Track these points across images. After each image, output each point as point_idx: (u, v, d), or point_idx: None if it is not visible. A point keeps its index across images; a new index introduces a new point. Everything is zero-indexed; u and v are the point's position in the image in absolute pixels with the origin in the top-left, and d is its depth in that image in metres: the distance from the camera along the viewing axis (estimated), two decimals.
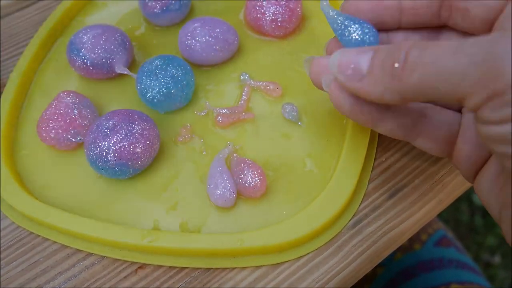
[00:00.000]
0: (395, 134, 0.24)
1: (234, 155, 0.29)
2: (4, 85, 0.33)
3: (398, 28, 0.26)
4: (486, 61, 0.17)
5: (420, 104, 0.25)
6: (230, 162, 0.29)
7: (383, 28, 0.26)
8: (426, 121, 0.24)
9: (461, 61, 0.17)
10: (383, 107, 0.23)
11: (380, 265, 0.54)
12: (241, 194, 0.28)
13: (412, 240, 0.56)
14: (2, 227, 0.29)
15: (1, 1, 0.40)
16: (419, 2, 0.24)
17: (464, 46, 0.18)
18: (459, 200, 1.00)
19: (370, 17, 0.25)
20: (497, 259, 1.01)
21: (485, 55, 0.17)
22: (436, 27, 0.26)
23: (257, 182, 0.27)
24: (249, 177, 0.27)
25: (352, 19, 0.24)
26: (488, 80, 0.17)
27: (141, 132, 0.28)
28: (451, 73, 0.18)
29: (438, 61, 0.18)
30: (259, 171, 0.27)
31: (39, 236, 0.28)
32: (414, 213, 0.28)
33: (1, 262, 0.27)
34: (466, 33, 0.24)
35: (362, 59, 0.21)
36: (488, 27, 0.22)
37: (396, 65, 0.19)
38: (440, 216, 0.94)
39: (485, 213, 1.05)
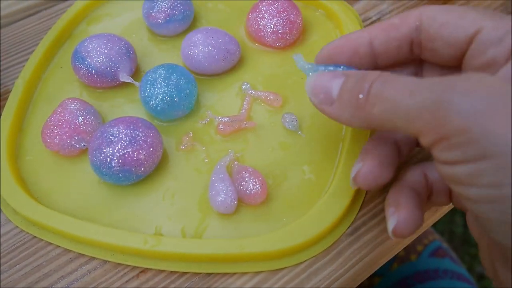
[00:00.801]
0: None
1: (235, 162, 0.30)
2: (9, 92, 0.34)
3: (376, 68, 0.26)
4: (436, 105, 0.18)
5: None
6: (231, 170, 0.29)
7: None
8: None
9: (415, 101, 0.19)
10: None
11: (377, 275, 0.54)
12: (242, 201, 0.28)
13: (408, 250, 0.56)
14: (5, 231, 0.29)
15: (6, 10, 0.40)
16: (389, 46, 0.25)
17: (420, 87, 0.19)
18: (453, 212, 1.00)
19: (346, 64, 0.26)
20: None
21: (436, 99, 0.18)
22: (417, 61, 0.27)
23: (258, 189, 0.28)
24: (250, 185, 0.28)
25: (327, 65, 0.25)
26: (437, 123, 0.18)
27: (145, 139, 0.28)
28: (406, 112, 0.19)
29: (396, 98, 0.19)
30: (260, 178, 0.28)
31: (42, 240, 0.28)
32: None
33: (4, 265, 0.27)
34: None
35: (334, 85, 0.23)
36: (459, 62, 0.23)
37: (361, 96, 0.21)
38: (435, 227, 0.95)
39: None
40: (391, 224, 0.23)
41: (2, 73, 0.36)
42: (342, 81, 0.22)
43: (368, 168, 0.24)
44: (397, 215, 0.23)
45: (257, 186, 0.28)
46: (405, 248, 0.56)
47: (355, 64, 0.25)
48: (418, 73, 0.27)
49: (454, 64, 0.24)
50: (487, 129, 0.17)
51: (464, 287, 0.52)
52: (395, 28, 0.24)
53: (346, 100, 0.22)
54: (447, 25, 0.23)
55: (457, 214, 1.07)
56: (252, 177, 0.28)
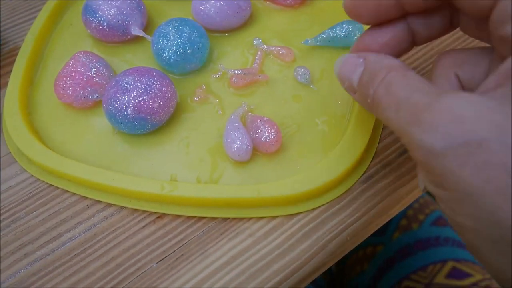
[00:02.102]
0: None
1: (249, 113, 0.30)
2: (19, 48, 0.34)
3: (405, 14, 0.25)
4: (407, 130, 0.19)
5: None
6: (246, 120, 0.30)
7: None
8: None
9: (398, 119, 0.19)
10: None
11: (379, 243, 0.55)
12: (257, 150, 0.28)
13: (410, 220, 0.57)
14: (21, 180, 0.29)
15: None
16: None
17: (402, 105, 0.19)
18: None
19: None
20: None
21: (406, 125, 0.19)
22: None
23: (273, 136, 0.28)
24: (265, 132, 0.28)
25: None
26: (410, 148, 0.19)
27: (160, 87, 0.28)
28: (396, 126, 0.20)
29: (388, 110, 0.20)
30: (275, 127, 0.28)
31: (58, 188, 0.28)
32: None
33: (21, 212, 0.27)
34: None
35: (354, 77, 0.23)
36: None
37: (368, 100, 0.22)
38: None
39: None
40: None
41: (10, 30, 0.36)
42: (360, 73, 0.23)
43: None
44: None
45: (272, 133, 0.28)
46: (406, 217, 0.57)
47: (380, 16, 0.24)
48: (454, 19, 0.25)
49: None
50: (445, 167, 0.17)
51: (465, 254, 0.53)
52: None
53: (362, 94, 0.22)
54: None
55: None
56: (267, 125, 0.28)
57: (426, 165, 0.18)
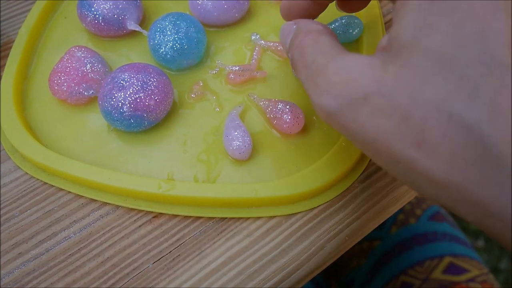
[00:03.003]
0: None
1: (262, 99, 0.30)
2: (13, 42, 0.33)
3: None
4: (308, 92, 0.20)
5: None
6: (260, 107, 0.30)
7: None
8: None
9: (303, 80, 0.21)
10: None
11: (376, 238, 0.55)
12: (278, 130, 0.29)
13: (407, 214, 0.57)
14: (14, 177, 0.28)
15: None
16: None
17: (306, 65, 0.21)
18: None
19: None
20: (480, 243, 1.04)
21: (307, 88, 0.20)
22: None
23: (299, 112, 0.29)
24: (289, 114, 0.28)
25: None
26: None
27: (157, 84, 0.28)
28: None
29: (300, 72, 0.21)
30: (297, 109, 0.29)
31: (52, 186, 0.28)
32: None
33: (15, 210, 0.27)
34: None
35: (286, 42, 0.24)
36: None
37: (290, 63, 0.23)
38: None
39: None
40: None
41: (3, 23, 0.36)
42: (290, 39, 0.23)
43: None
44: None
45: (297, 111, 0.29)
46: (404, 212, 0.57)
47: None
48: None
49: None
50: (342, 125, 0.18)
51: (462, 249, 0.53)
52: None
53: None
54: None
55: None
56: (288, 105, 0.29)
57: (329, 125, 0.19)
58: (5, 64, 0.32)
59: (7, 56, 0.33)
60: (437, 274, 0.50)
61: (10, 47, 0.33)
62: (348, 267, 0.55)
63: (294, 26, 0.24)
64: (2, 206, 0.27)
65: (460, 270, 0.50)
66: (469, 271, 0.49)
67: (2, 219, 0.27)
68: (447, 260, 0.51)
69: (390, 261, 0.53)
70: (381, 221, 0.29)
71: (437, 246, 0.53)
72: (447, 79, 0.15)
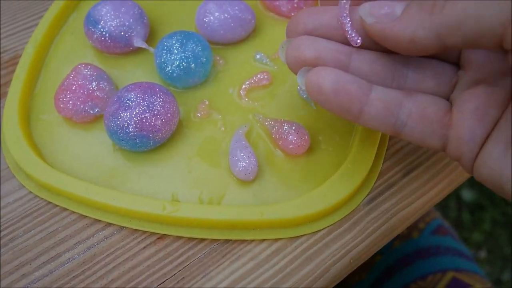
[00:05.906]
0: (381, 121, 0.23)
1: (267, 119, 0.30)
2: (19, 57, 0.33)
3: None
4: None
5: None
6: (266, 127, 0.30)
7: None
8: (412, 99, 0.23)
9: None
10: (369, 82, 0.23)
11: (378, 253, 0.55)
12: (284, 151, 0.29)
13: (410, 228, 0.56)
14: (19, 196, 0.28)
15: None
16: None
17: None
18: (447, 197, 1.02)
19: None
20: (483, 254, 1.03)
21: None
22: None
23: (304, 133, 0.28)
24: (295, 135, 0.28)
25: None
26: None
27: (163, 104, 0.28)
28: None
29: None
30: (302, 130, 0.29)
31: (57, 206, 0.28)
32: (427, 192, 0.29)
33: (19, 230, 0.27)
34: None
35: (398, 5, 0.21)
36: None
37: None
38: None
39: (472, 209, 1.07)
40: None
41: (10, 38, 0.36)
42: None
43: None
44: None
45: (301, 131, 0.29)
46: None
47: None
48: None
49: None
50: None
51: (466, 264, 0.52)
52: None
53: (416, 9, 0.20)
54: None
55: (451, 199, 1.08)
56: (293, 126, 0.29)
57: None
58: (11, 80, 0.32)
59: (12, 71, 0.33)
60: None
61: (16, 63, 0.33)
62: (349, 282, 0.55)
63: None
64: (6, 225, 0.27)
65: (464, 286, 0.49)
66: (472, 286, 0.49)
67: (6, 239, 0.27)
68: (450, 275, 0.50)
69: (392, 276, 0.52)
70: (386, 243, 0.29)
71: (440, 261, 0.52)
72: None
